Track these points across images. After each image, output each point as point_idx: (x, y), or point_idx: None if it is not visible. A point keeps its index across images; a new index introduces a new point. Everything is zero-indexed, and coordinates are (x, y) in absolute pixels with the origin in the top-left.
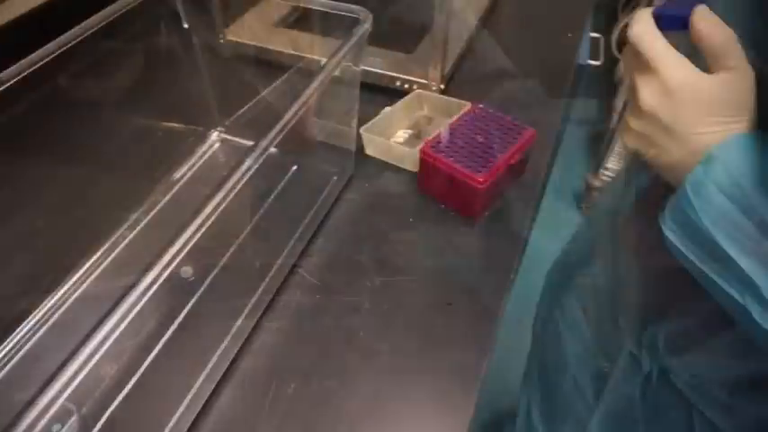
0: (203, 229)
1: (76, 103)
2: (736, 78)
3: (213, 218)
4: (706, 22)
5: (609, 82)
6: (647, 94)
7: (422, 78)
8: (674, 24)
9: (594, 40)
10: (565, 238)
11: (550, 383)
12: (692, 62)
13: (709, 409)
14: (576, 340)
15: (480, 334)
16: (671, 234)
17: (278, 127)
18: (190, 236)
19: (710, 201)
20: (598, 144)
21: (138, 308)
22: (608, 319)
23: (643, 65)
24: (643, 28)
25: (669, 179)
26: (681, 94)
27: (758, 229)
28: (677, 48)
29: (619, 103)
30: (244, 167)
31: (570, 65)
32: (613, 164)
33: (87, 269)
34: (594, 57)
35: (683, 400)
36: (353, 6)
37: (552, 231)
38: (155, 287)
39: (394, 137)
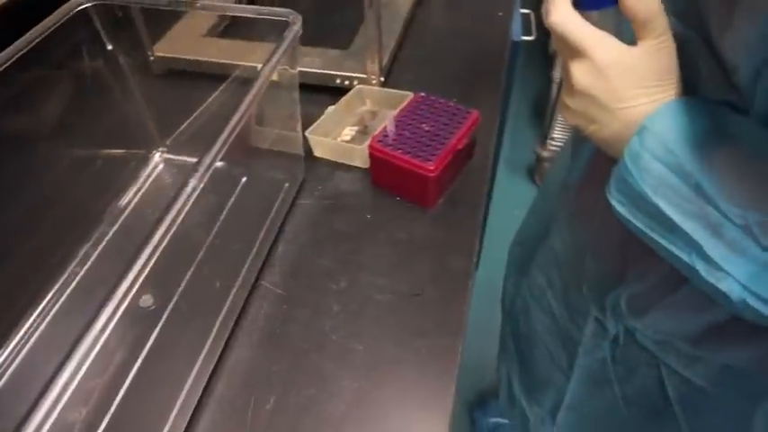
0: (156, 255)
1: (3, 138)
2: (662, 46)
3: (166, 242)
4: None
5: (545, 54)
6: (580, 74)
7: (361, 73)
8: (592, 3)
9: (525, 16)
10: (523, 212)
11: (526, 355)
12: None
13: (675, 362)
14: (544, 311)
15: (451, 319)
16: (617, 204)
17: (220, 141)
18: (143, 264)
19: (648, 170)
20: (543, 116)
21: (99, 345)
22: (572, 288)
23: (571, 48)
24: (561, 15)
25: (610, 152)
26: (610, 71)
27: (695, 192)
28: (599, 26)
29: (556, 74)
30: (189, 187)
31: (504, 43)
32: (559, 133)
33: (40, 313)
34: (527, 32)
35: (651, 357)
36: (281, 10)
37: (510, 206)
38: (113, 321)
39: (341, 135)
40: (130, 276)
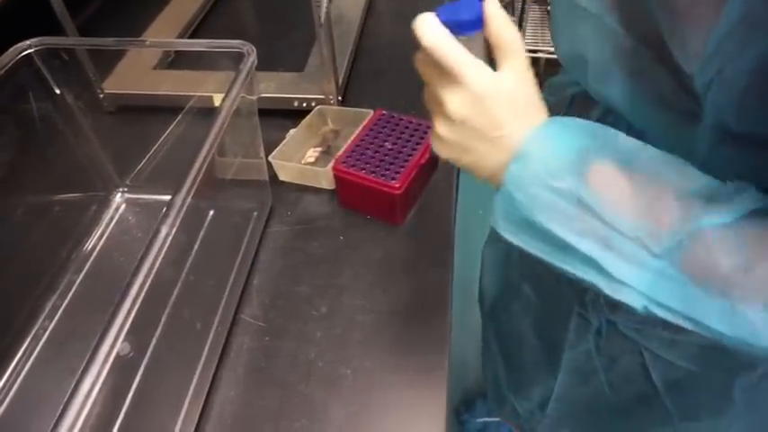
0: (137, 307)
1: None
2: (527, 74)
3: (144, 291)
4: (498, 20)
5: None
6: (458, 104)
7: (318, 94)
8: (461, 28)
9: None
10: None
11: (512, 355)
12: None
13: (656, 346)
14: (527, 311)
15: (435, 334)
16: (507, 234)
17: (188, 181)
18: (124, 318)
19: (533, 195)
20: None
21: (89, 403)
22: (550, 287)
23: (444, 73)
24: (436, 36)
25: (493, 181)
26: (488, 100)
27: (581, 211)
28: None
29: None
30: (162, 234)
31: None
32: None
33: (12, 372)
34: None
35: (633, 344)
36: (234, 42)
37: (479, 211)
38: (99, 382)
39: (305, 158)
40: (112, 333)
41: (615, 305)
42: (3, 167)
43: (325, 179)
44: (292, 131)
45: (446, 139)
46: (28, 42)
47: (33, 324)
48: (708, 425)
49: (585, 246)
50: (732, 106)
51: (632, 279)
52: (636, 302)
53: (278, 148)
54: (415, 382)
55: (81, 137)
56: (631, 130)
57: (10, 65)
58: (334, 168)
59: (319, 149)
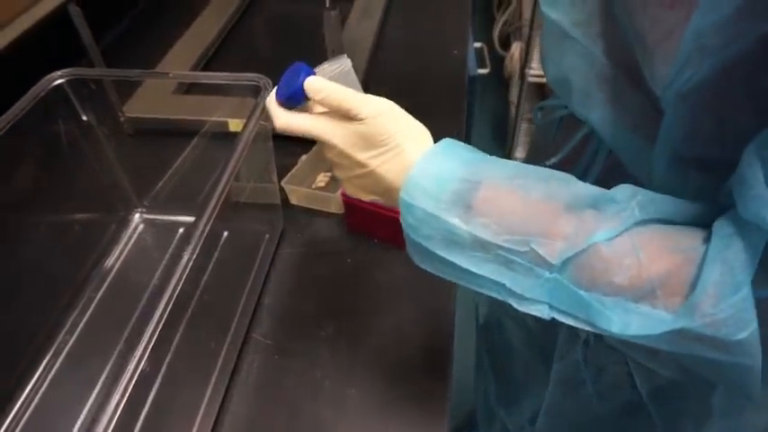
0: (161, 326)
1: None
2: (377, 119)
3: (167, 313)
4: (322, 94)
5: (501, 79)
6: (335, 159)
7: None
8: (299, 100)
9: (479, 51)
10: None
11: (503, 369)
12: None
13: (639, 356)
14: (519, 325)
15: (437, 355)
16: (422, 265)
17: (210, 206)
18: (149, 336)
19: (429, 235)
20: (504, 137)
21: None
22: None
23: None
24: (282, 120)
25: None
26: (349, 149)
27: (474, 242)
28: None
29: (513, 95)
30: (185, 258)
31: (462, 79)
32: (520, 153)
33: (33, 385)
34: (482, 65)
35: (619, 354)
36: (251, 75)
37: None
38: (123, 401)
39: (315, 183)
40: (137, 355)
41: None
42: (28, 187)
43: (334, 204)
44: (304, 157)
45: (350, 184)
46: (59, 72)
47: (55, 338)
48: None
49: (489, 270)
50: (685, 129)
51: (535, 293)
52: (543, 313)
53: (290, 173)
54: (418, 403)
55: (103, 159)
56: (612, 152)
57: (42, 94)
58: (343, 194)
59: (329, 175)
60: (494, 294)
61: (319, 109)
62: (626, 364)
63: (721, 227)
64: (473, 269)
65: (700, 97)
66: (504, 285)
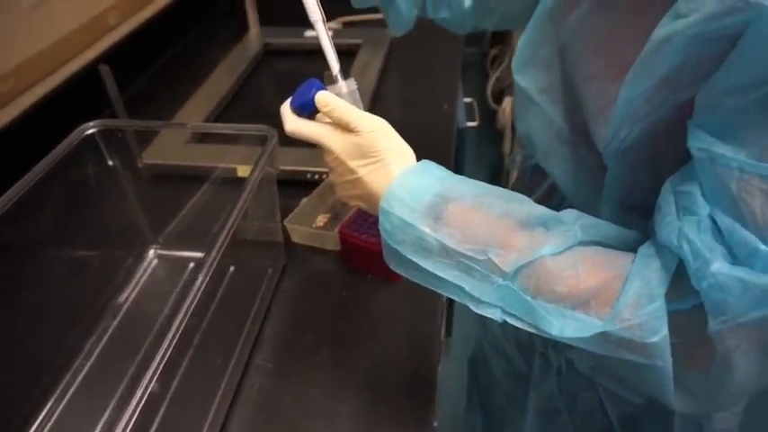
0: (170, 351)
1: (12, 246)
2: (372, 134)
3: (177, 338)
4: (329, 107)
5: (494, 131)
6: (328, 159)
7: None
8: (304, 109)
9: (469, 105)
10: None
11: (487, 402)
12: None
13: (608, 383)
14: (500, 355)
15: (423, 381)
16: (396, 269)
17: (219, 242)
18: (160, 359)
19: (402, 241)
20: (499, 185)
21: None
22: (515, 328)
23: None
24: (292, 124)
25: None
26: (343, 155)
27: (440, 248)
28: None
29: (506, 146)
30: (195, 287)
31: (451, 131)
32: None
33: (51, 407)
34: (471, 118)
35: (590, 382)
36: (258, 126)
37: None
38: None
39: (315, 222)
40: (148, 375)
41: (566, 344)
42: (56, 224)
43: (332, 242)
44: (305, 199)
45: (342, 192)
46: (91, 123)
47: (72, 363)
48: None
49: (451, 275)
50: (626, 182)
51: (490, 297)
52: (496, 315)
53: (292, 214)
54: (404, 423)
55: (124, 201)
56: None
57: (76, 142)
58: (340, 233)
59: (328, 216)
60: (455, 297)
61: (325, 119)
62: (596, 390)
63: (644, 248)
64: (439, 273)
65: (635, 154)
66: (463, 289)
